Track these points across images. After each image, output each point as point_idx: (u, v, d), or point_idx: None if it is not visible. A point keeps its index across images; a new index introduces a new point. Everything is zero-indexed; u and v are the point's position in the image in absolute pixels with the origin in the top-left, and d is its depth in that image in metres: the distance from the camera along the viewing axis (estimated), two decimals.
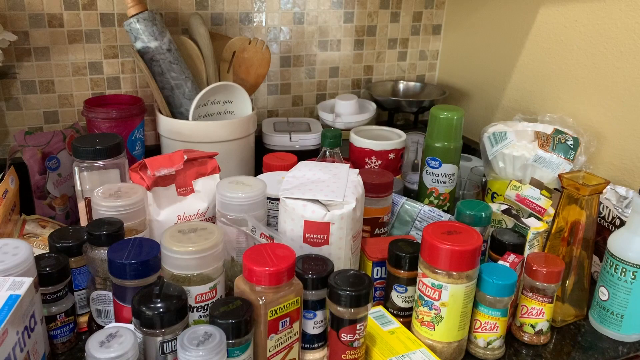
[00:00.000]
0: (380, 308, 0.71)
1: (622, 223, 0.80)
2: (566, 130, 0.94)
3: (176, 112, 0.98)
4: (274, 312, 0.57)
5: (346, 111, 1.13)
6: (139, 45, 0.92)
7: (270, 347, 0.59)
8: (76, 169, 0.77)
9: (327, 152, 0.92)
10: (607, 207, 0.83)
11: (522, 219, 0.79)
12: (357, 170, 0.76)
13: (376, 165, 0.97)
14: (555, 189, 0.88)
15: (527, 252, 0.77)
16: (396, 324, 0.68)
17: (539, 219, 0.80)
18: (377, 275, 0.74)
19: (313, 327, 0.64)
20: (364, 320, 0.61)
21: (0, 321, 0.49)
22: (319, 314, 0.63)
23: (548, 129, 0.94)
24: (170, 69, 0.94)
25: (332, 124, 1.12)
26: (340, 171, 0.75)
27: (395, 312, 0.72)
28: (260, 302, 0.56)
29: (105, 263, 0.63)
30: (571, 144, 0.90)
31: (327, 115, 1.12)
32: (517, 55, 1.13)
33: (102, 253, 0.64)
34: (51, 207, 0.92)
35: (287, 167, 0.87)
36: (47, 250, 0.76)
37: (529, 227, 0.77)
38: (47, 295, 0.64)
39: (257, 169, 1.01)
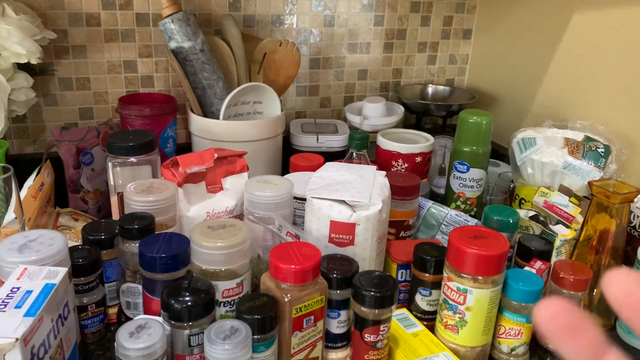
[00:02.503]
0: (404, 311, 0.71)
1: None
2: (597, 137, 0.92)
3: (207, 112, 1.00)
4: (298, 310, 0.58)
5: (374, 113, 1.13)
6: (173, 45, 0.94)
7: (294, 344, 0.60)
8: (110, 164, 0.79)
9: (354, 154, 0.92)
10: (638, 217, 0.82)
11: (550, 226, 0.78)
12: (384, 172, 0.77)
13: (402, 168, 0.97)
14: (584, 196, 0.87)
15: (554, 259, 0.76)
16: (420, 326, 0.68)
17: (567, 227, 0.80)
18: (401, 277, 0.74)
19: (337, 326, 0.64)
20: (387, 321, 0.61)
21: (37, 308, 0.51)
22: (343, 314, 0.64)
23: (578, 136, 0.93)
24: (202, 69, 0.96)
25: (360, 126, 1.12)
26: (366, 172, 0.75)
27: (419, 315, 0.72)
28: (286, 300, 0.57)
29: (135, 256, 0.64)
30: (602, 152, 0.88)
31: (354, 117, 1.13)
32: (548, 61, 1.12)
33: (133, 246, 0.65)
34: (84, 200, 0.95)
35: (313, 168, 0.87)
36: (79, 243, 0.78)
37: (557, 234, 0.77)
38: (79, 286, 0.66)
39: (284, 169, 1.02)
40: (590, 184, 0.75)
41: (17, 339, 0.47)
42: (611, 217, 0.74)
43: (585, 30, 1.03)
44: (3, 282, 0.58)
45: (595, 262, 0.75)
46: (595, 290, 0.76)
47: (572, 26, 1.05)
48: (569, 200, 0.81)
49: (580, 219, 0.80)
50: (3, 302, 0.51)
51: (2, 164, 0.67)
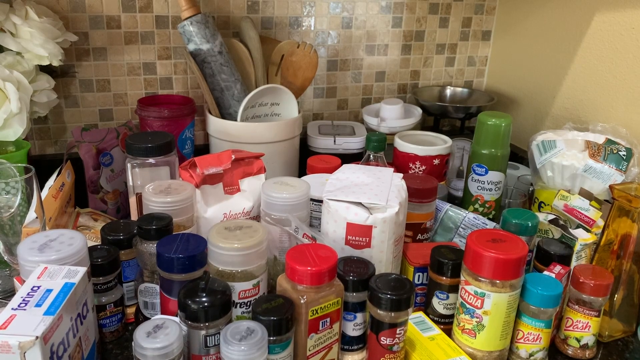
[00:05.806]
0: (421, 314, 0.71)
1: None
2: (619, 140, 0.91)
3: (225, 113, 1.01)
4: (314, 312, 0.58)
5: (391, 115, 1.13)
6: (191, 47, 0.95)
7: (310, 346, 0.60)
8: (129, 165, 0.79)
9: (371, 156, 0.92)
10: None
11: (570, 230, 0.77)
12: (401, 175, 0.76)
13: (420, 171, 0.97)
14: (605, 200, 0.86)
15: (574, 263, 0.75)
16: (436, 330, 0.67)
17: (588, 231, 0.78)
18: (418, 280, 0.74)
19: (353, 329, 0.64)
20: (404, 324, 0.61)
21: (57, 307, 0.51)
22: (359, 316, 0.64)
23: (600, 139, 0.92)
24: (220, 71, 0.96)
25: (377, 128, 1.12)
26: (384, 175, 0.75)
27: (435, 318, 0.72)
28: (302, 301, 0.57)
29: (153, 257, 0.65)
30: (624, 155, 0.87)
31: (371, 119, 1.13)
32: (568, 63, 1.10)
33: (151, 247, 0.66)
34: (103, 201, 0.96)
35: (330, 170, 0.88)
36: (98, 243, 0.79)
37: (577, 238, 0.75)
38: (97, 286, 0.67)
39: (301, 171, 1.02)
40: (611, 187, 0.74)
41: (37, 337, 0.47)
42: (633, 222, 0.72)
43: (607, 32, 1.01)
44: (24, 281, 0.59)
45: (616, 267, 0.74)
46: (616, 295, 0.74)
47: (593, 27, 1.04)
48: (590, 204, 0.80)
49: (601, 223, 0.79)
50: (24, 300, 0.52)
51: (24, 165, 0.68)
